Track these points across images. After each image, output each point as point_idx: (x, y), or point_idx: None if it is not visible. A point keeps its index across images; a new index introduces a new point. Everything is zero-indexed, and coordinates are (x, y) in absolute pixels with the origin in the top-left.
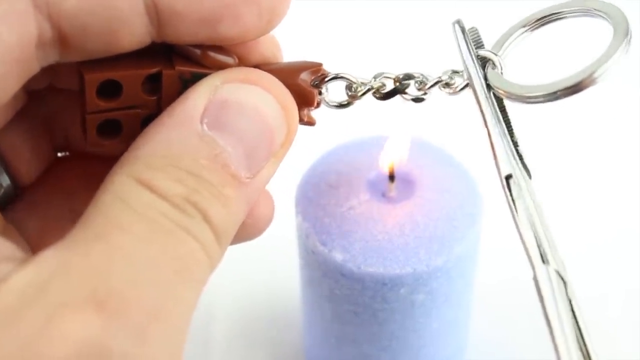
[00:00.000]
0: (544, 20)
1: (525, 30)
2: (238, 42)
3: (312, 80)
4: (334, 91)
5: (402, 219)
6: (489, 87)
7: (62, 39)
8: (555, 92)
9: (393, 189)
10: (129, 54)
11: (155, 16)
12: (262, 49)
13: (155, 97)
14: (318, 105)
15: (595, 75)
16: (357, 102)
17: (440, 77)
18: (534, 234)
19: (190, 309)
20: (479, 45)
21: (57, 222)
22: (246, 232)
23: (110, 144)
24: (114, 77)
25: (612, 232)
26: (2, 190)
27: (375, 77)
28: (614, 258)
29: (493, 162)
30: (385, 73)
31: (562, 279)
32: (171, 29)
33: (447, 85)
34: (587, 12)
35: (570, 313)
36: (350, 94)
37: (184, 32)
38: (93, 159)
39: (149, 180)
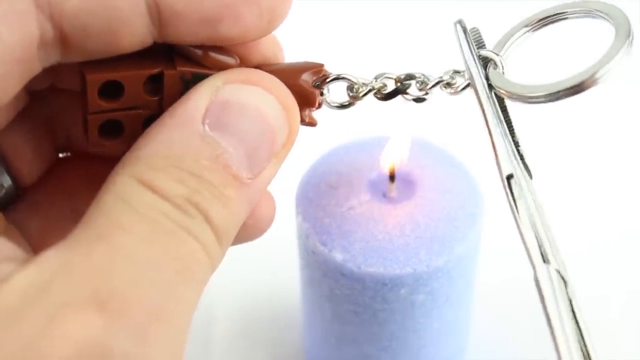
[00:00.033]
0: (545, 20)
1: (527, 31)
2: (239, 42)
3: (314, 81)
4: (336, 92)
5: (403, 219)
6: (490, 87)
7: (63, 39)
8: (557, 93)
9: (394, 189)
10: (130, 54)
11: (157, 16)
12: (263, 49)
13: (156, 98)
14: (319, 105)
15: (597, 76)
16: (358, 103)
17: (441, 77)
18: (535, 234)
19: (191, 309)
20: (481, 45)
21: (59, 222)
22: (247, 232)
23: (112, 144)
24: (116, 77)
25: (613, 232)
26: (4, 191)
27: (376, 78)
28: (614, 258)
29: (494, 162)
30: (387, 73)
31: (563, 278)
32: (172, 29)
33: (449, 85)
34: (589, 13)
35: (571, 313)
36: (351, 94)
37: (185, 32)
38: (94, 159)
39: (150, 181)
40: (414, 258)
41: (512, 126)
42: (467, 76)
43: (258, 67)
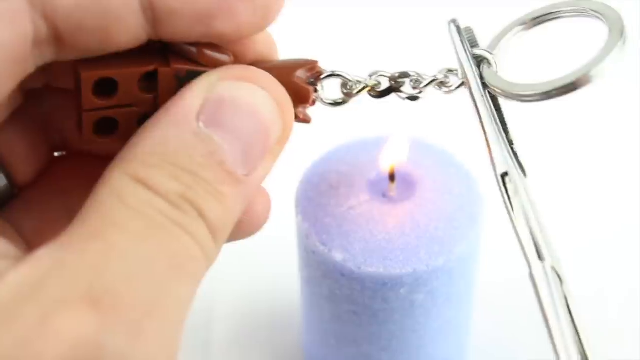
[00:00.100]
0: (539, 19)
1: (521, 30)
2: (233, 39)
3: (308, 77)
4: (329, 89)
5: (403, 219)
6: (484, 85)
7: (57, 37)
8: (550, 91)
9: (393, 189)
10: (125, 52)
11: (151, 14)
12: (257, 46)
13: (151, 95)
14: (313, 102)
15: (591, 74)
16: (352, 101)
17: (435, 76)
18: (530, 231)
19: (185, 306)
20: (474, 44)
21: (54, 221)
22: (243, 229)
23: (106, 141)
24: (110, 75)
25: (607, 229)
26: None
27: (370, 76)
28: (609, 255)
29: (489, 160)
30: (381, 71)
31: (559, 275)
32: (167, 27)
33: (442, 84)
34: (582, 13)
35: (567, 310)
36: (345, 91)
37: (180, 30)
38: (90, 158)
39: (144, 178)
40: (413, 258)
41: (506, 125)
42: (461, 75)
43: (252, 64)
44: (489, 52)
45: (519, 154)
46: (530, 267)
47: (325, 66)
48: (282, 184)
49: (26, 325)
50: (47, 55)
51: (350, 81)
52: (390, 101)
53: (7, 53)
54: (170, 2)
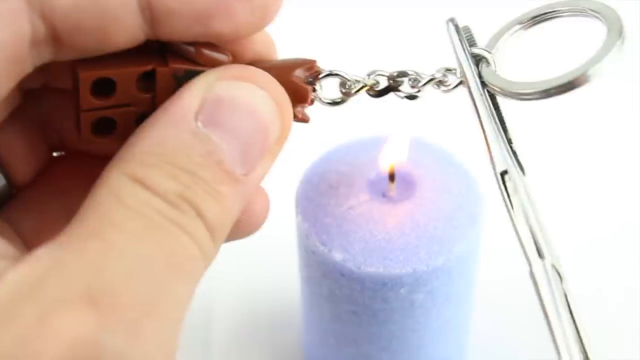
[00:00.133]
0: (537, 18)
1: (519, 28)
2: (231, 38)
3: (306, 77)
4: (328, 88)
5: (402, 219)
6: (483, 84)
7: (55, 37)
8: (549, 90)
9: (393, 189)
10: (123, 52)
11: (149, 13)
12: (255, 46)
13: (149, 95)
14: (312, 102)
15: (589, 73)
16: (351, 100)
17: (433, 75)
18: (530, 229)
19: (184, 305)
20: (472, 43)
21: (53, 221)
22: (241, 229)
23: (105, 141)
24: (108, 74)
25: (606, 227)
26: None
27: (369, 75)
28: (608, 254)
29: (488, 158)
30: (379, 70)
31: (559, 273)
32: (165, 26)
33: (441, 83)
34: (581, 12)
35: (567, 307)
36: (344, 91)
37: (178, 29)
38: (88, 158)
39: (143, 177)
40: (413, 258)
41: (504, 123)
42: (459, 74)
43: (251, 63)
44: (487, 51)
45: (517, 152)
46: (530, 265)
47: (324, 65)
48: (282, 184)
49: (25, 325)
50: (45, 55)
51: (348, 80)
52: (389, 100)
53: (5, 53)
54: (168, 2)
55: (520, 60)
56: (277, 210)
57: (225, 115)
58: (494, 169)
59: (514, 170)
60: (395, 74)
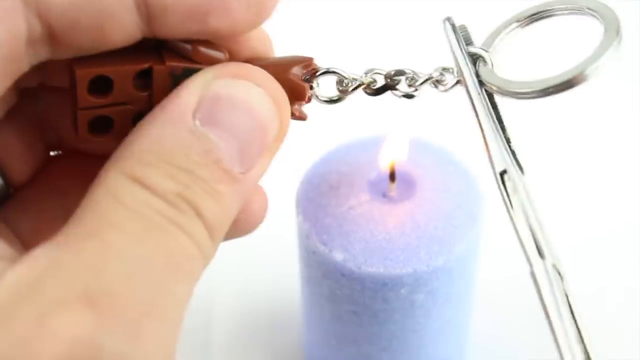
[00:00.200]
0: (534, 17)
1: (516, 27)
2: (228, 35)
3: (303, 74)
4: (325, 86)
5: (403, 219)
6: (480, 83)
7: (52, 36)
8: (546, 89)
9: (393, 189)
10: (119, 50)
11: (145, 11)
12: (252, 43)
13: (146, 93)
14: (309, 99)
15: (587, 72)
16: (347, 98)
17: (431, 74)
18: (530, 229)
19: (183, 305)
20: (469, 42)
21: (50, 220)
22: (240, 227)
23: (102, 140)
24: (105, 72)
25: (605, 227)
26: None
27: (366, 73)
28: (608, 253)
29: (487, 158)
30: (376, 69)
31: (559, 273)
32: (161, 24)
33: (438, 82)
34: (578, 10)
35: (569, 307)
36: (341, 89)
37: (174, 27)
38: (86, 157)
39: (141, 177)
40: (414, 258)
41: (502, 122)
42: (456, 73)
43: (248, 61)
44: (484, 49)
45: (516, 151)
46: (531, 265)
47: (321, 63)
48: (282, 184)
49: (23, 326)
50: (42, 53)
51: (345, 78)
52: (389, 100)
53: (1, 52)
54: None
55: (517, 59)
56: (277, 210)
57: (223, 113)
58: (493, 168)
59: (513, 169)
60: (392, 72)
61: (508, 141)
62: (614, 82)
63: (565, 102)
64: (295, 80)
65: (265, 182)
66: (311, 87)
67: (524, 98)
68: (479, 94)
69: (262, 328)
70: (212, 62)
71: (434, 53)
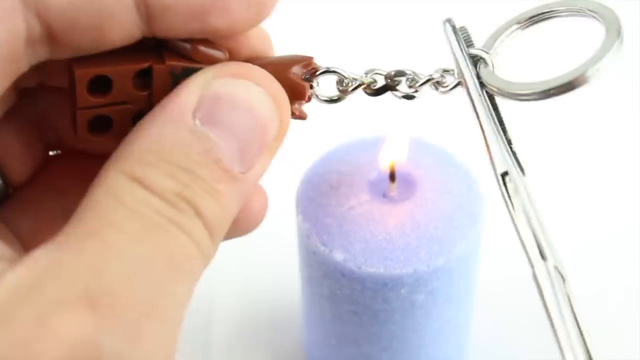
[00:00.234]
0: (535, 18)
1: (517, 28)
2: (228, 34)
3: (303, 74)
4: (325, 86)
5: (403, 219)
6: (481, 85)
7: (51, 36)
8: (547, 91)
9: (394, 189)
10: (119, 49)
11: (145, 10)
12: (252, 43)
13: (146, 93)
14: (309, 99)
15: (588, 74)
16: (347, 97)
17: (431, 75)
18: (532, 231)
19: (183, 305)
20: (469, 44)
21: (50, 221)
22: (240, 227)
23: (101, 140)
24: (104, 72)
25: (606, 228)
26: None
27: (366, 73)
28: (609, 254)
29: (488, 159)
30: (377, 69)
31: (561, 275)
32: (161, 23)
33: (439, 83)
34: (579, 12)
35: (571, 309)
36: (341, 88)
37: (174, 26)
38: (85, 157)
39: (141, 176)
40: (414, 258)
41: (503, 124)
42: (457, 74)
43: (247, 60)
44: (485, 51)
45: (517, 153)
46: (532, 267)
47: (321, 63)
48: (282, 184)
49: (24, 327)
50: (41, 53)
51: (345, 78)
52: (389, 101)
53: (1, 52)
54: None
55: (518, 61)
56: (277, 210)
57: (223, 112)
58: (495, 170)
59: (514, 171)
60: (392, 73)
61: (509, 143)
62: (615, 83)
63: (567, 104)
64: (295, 80)
65: (265, 182)
66: (311, 87)
67: (524, 100)
68: (479, 95)
69: (263, 328)
70: (212, 61)
71: (434, 54)
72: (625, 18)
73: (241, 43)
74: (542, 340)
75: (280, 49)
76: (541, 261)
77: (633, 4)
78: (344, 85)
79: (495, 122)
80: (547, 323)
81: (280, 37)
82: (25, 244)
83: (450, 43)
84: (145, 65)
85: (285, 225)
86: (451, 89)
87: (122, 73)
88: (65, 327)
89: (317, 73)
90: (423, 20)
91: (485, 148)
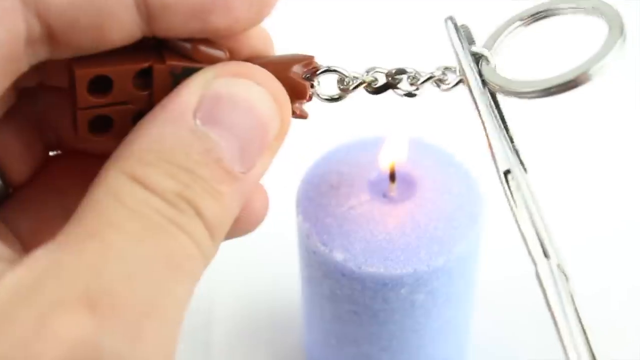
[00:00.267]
0: (537, 16)
1: (519, 26)
2: (229, 34)
3: (304, 73)
4: (326, 85)
5: (403, 219)
6: (483, 82)
7: (51, 36)
8: (550, 88)
9: (394, 189)
10: (119, 49)
11: (145, 10)
12: (253, 42)
13: (146, 93)
14: (310, 98)
15: (591, 72)
16: (348, 96)
17: (433, 73)
18: (535, 229)
19: (183, 305)
20: (471, 42)
21: (50, 221)
22: (240, 226)
23: (102, 139)
24: (105, 72)
25: (609, 226)
26: None
27: (367, 71)
28: (612, 252)
29: (490, 158)
30: (378, 67)
31: (564, 273)
32: (161, 23)
33: (440, 81)
34: (581, 10)
35: (574, 307)
36: (341, 87)
37: (174, 25)
38: (85, 157)
39: (141, 176)
40: (414, 258)
41: (505, 122)
42: (459, 72)
43: (248, 60)
44: (486, 49)
45: (519, 150)
46: (535, 265)
47: (322, 61)
48: (282, 184)
49: (23, 327)
50: (41, 53)
51: (346, 77)
52: (390, 101)
53: (1, 52)
54: None
55: (520, 59)
56: (277, 210)
57: (223, 112)
58: (497, 168)
59: (516, 169)
60: (393, 71)
61: (511, 140)
62: (618, 81)
63: (569, 101)
64: (296, 79)
65: (266, 182)
66: (312, 86)
67: (527, 98)
68: (481, 93)
69: (263, 328)
70: (212, 61)
71: (436, 52)
72: (628, 15)
73: (242, 42)
74: (542, 340)
75: (281, 48)
76: (544, 259)
77: (636, 1)
78: (345, 84)
79: (497, 120)
80: (548, 323)
81: (281, 36)
82: (25, 244)
83: (452, 41)
84: (146, 65)
85: (286, 225)
86: (453, 86)
87: (122, 73)
88: (65, 327)
89: (318, 72)
90: (424, 18)
91: (487, 146)
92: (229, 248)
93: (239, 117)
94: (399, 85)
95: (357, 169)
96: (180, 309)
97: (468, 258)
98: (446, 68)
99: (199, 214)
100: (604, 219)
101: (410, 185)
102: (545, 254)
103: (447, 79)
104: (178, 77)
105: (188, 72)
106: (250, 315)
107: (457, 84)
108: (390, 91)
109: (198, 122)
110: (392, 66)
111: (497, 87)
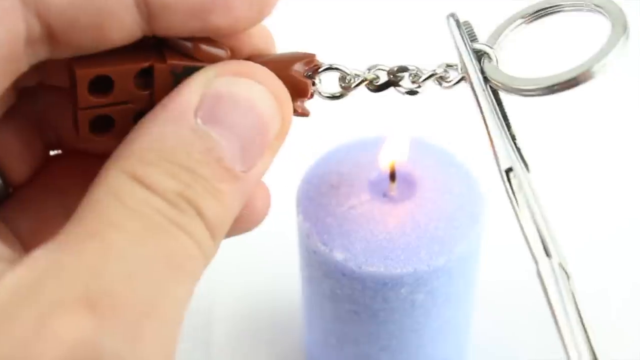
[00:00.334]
0: (540, 13)
1: (522, 23)
2: (230, 32)
3: (306, 71)
4: (327, 83)
5: (403, 219)
6: (485, 80)
7: (51, 35)
8: (552, 86)
9: (394, 189)
10: (120, 48)
11: (145, 9)
12: (254, 40)
13: (147, 92)
14: (311, 96)
15: (593, 70)
16: (350, 94)
17: (434, 71)
18: (536, 228)
19: (183, 305)
20: (473, 38)
21: (50, 220)
22: (242, 224)
23: (103, 139)
24: (105, 72)
25: (611, 225)
26: None
27: (369, 69)
28: (614, 251)
29: (492, 156)
30: (379, 65)
31: (566, 272)
32: (162, 22)
33: (442, 79)
34: (584, 7)
35: (575, 306)
36: (343, 85)
37: (175, 25)
38: (86, 156)
39: (142, 176)
40: (414, 258)
41: (507, 119)
42: (461, 69)
43: (249, 58)
44: (489, 46)
45: (521, 148)
46: (537, 264)
47: (323, 59)
48: (282, 184)
49: (23, 328)
50: (41, 53)
51: (348, 75)
52: (390, 101)
53: (0, 52)
54: None
55: (522, 56)
56: (278, 210)
57: (224, 111)
58: (499, 166)
59: (518, 167)
60: (395, 68)
61: (513, 138)
62: (620, 79)
63: (571, 99)
64: (297, 77)
65: (266, 181)
66: (313, 84)
67: (529, 95)
68: (483, 90)
69: (263, 328)
70: (213, 59)
71: (437, 49)
72: (631, 13)
73: (243, 41)
74: (542, 340)
75: (283, 46)
76: (545, 258)
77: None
78: (347, 81)
79: (499, 118)
80: (548, 323)
81: (282, 34)
82: (25, 243)
83: (453, 38)
84: (147, 64)
85: (286, 224)
86: (455, 84)
87: (123, 73)
88: (65, 327)
89: (320, 70)
90: (426, 15)
91: (489, 144)
92: (229, 248)
93: (240, 116)
94: (400, 83)
95: (357, 169)
96: (180, 309)
97: (468, 258)
98: (448, 65)
99: (199, 214)
100: (606, 218)
101: (410, 185)
102: (547, 253)
103: (449, 77)
104: (179, 76)
105: (189, 71)
106: (251, 315)
107: (459, 81)
108: (391, 89)
109: (199, 121)
110: (394, 64)
111: (499, 84)
